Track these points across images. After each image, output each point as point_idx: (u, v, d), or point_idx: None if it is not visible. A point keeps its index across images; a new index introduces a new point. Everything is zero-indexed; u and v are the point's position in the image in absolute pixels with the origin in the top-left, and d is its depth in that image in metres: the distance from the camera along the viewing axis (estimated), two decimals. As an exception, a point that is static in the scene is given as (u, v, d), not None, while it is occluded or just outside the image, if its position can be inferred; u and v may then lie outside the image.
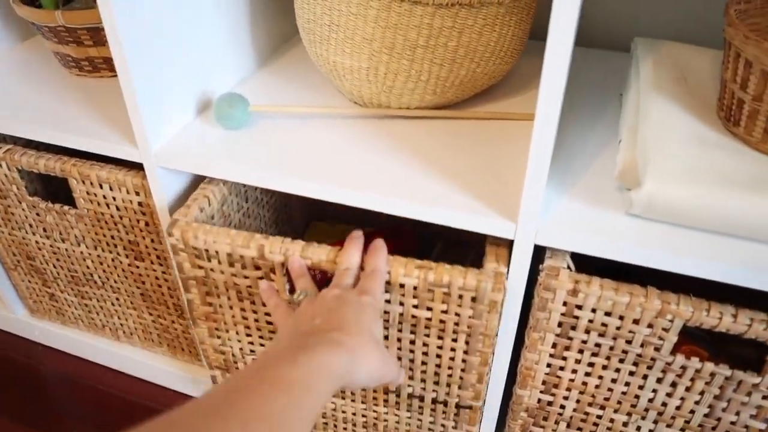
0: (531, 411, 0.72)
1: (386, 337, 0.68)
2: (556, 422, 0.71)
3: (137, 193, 0.75)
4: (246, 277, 0.68)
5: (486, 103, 0.76)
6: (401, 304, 0.63)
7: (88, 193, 0.78)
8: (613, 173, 0.61)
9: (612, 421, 0.69)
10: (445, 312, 0.63)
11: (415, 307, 0.63)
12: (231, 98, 0.69)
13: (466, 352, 0.66)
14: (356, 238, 0.62)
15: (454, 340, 0.65)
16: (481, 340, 0.64)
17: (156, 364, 0.99)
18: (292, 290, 0.67)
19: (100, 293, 0.93)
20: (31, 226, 0.88)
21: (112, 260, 0.86)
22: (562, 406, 0.70)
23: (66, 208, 0.83)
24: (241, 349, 0.78)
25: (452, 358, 0.67)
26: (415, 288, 0.61)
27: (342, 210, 0.65)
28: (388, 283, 0.61)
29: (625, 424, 0.68)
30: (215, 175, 0.68)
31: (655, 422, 0.67)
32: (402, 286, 0.62)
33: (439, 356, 0.68)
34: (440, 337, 0.66)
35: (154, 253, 0.81)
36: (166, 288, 0.85)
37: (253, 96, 0.75)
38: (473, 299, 0.61)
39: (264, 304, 0.68)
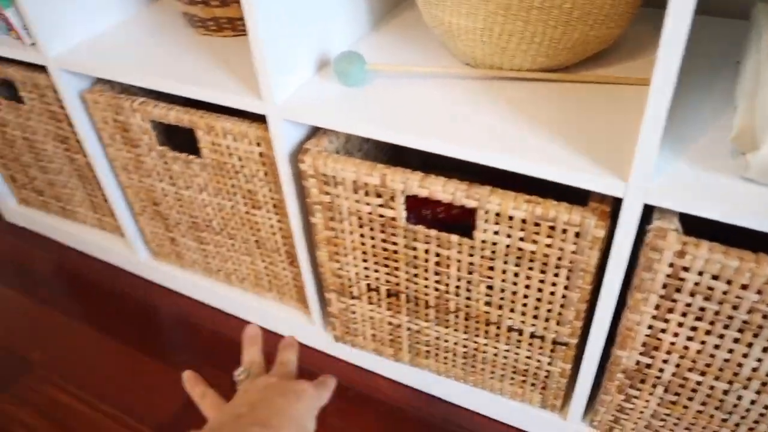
0: (629, 372, 0.73)
1: (491, 268, 0.74)
2: (653, 386, 0.73)
3: (258, 144, 0.81)
4: (367, 204, 0.75)
5: (596, 67, 0.78)
6: (508, 236, 0.69)
7: (212, 143, 0.85)
8: (727, 138, 0.61)
9: (712, 388, 0.69)
10: (549, 246, 0.68)
11: (522, 239, 0.69)
12: (350, 56, 0.74)
13: (566, 288, 0.71)
14: (289, 344, 0.63)
15: (556, 275, 0.70)
16: (581, 276, 0.69)
17: (264, 308, 1.06)
18: (408, 219, 0.75)
19: (217, 239, 1.01)
20: (158, 173, 0.97)
21: (231, 208, 0.93)
22: (661, 370, 0.71)
23: (192, 157, 0.90)
24: (357, 273, 0.86)
25: (552, 293, 0.72)
26: (523, 221, 0.67)
27: (456, 160, 0.68)
28: (497, 214, 0.68)
29: (725, 392, 0.68)
30: (335, 128, 0.73)
31: (758, 392, 0.67)
32: (511, 218, 0.67)
33: (540, 290, 0.73)
34: (543, 271, 0.71)
35: (271, 202, 0.88)
36: (280, 236, 0.92)
37: (368, 55, 0.81)
38: (577, 234, 0.65)
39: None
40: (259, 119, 0.80)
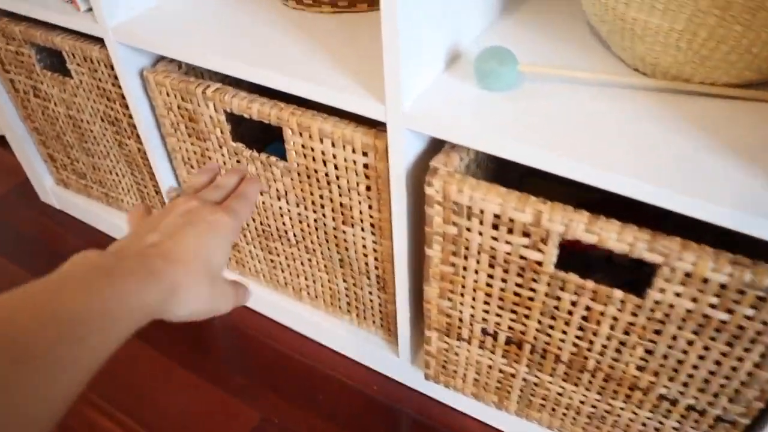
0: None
1: (657, 332, 0.59)
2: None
3: (365, 154, 0.66)
4: (508, 243, 0.60)
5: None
6: (694, 300, 0.55)
7: (303, 146, 0.70)
8: None
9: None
10: (750, 318, 0.53)
11: (713, 306, 0.54)
12: (500, 54, 0.58)
13: (757, 366, 0.57)
14: (242, 171, 0.55)
15: (747, 350, 0.56)
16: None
17: (337, 329, 0.92)
18: (558, 265, 0.60)
19: (291, 251, 0.87)
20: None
21: (315, 221, 0.78)
22: None
23: (274, 159, 0.75)
24: (472, 315, 0.71)
25: (735, 369, 0.58)
26: (722, 287, 0.52)
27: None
28: (687, 275, 0.53)
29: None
30: (478, 146, 0.57)
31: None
32: (705, 281, 0.53)
33: (718, 363, 0.59)
34: (730, 344, 0.57)
35: (369, 220, 0.72)
36: (373, 259, 0.77)
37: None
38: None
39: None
40: (367, 122, 0.64)
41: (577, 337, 0.66)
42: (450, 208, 0.61)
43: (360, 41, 0.69)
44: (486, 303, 0.69)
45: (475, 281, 0.67)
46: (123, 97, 0.88)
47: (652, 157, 0.53)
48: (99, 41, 0.84)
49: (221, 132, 0.78)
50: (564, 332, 0.66)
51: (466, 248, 0.64)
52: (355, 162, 0.68)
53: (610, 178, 0.52)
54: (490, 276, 0.65)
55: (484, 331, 0.73)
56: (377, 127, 0.65)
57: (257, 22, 0.75)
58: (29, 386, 0.30)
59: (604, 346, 0.64)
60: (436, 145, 0.68)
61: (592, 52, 0.66)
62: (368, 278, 0.82)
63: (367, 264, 0.80)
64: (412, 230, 0.70)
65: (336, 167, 0.71)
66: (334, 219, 0.77)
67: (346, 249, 0.80)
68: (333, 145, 0.68)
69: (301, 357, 0.97)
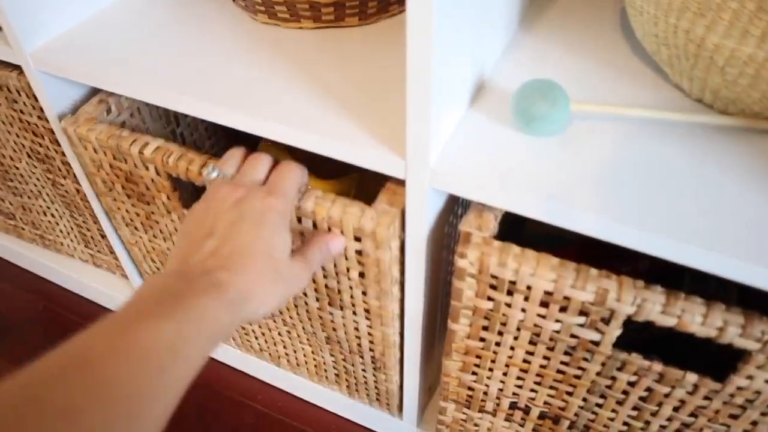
0: None
1: (733, 416, 0.49)
2: None
3: (357, 239, 0.52)
4: (558, 321, 0.49)
5: None
6: None
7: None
8: None
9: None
10: None
11: None
12: (550, 93, 0.45)
13: None
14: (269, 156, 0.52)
15: None
16: None
17: (327, 392, 0.79)
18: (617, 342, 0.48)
19: (266, 321, 0.73)
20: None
21: (294, 298, 0.65)
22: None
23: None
24: (501, 389, 0.60)
25: None
26: None
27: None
28: None
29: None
30: (528, 213, 0.45)
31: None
32: None
33: None
34: None
35: (363, 306, 0.59)
36: (368, 341, 0.64)
37: (526, 75, 0.53)
38: None
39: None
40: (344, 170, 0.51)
41: (630, 417, 0.55)
42: (486, 282, 0.49)
43: (351, 66, 0.55)
44: (520, 379, 0.57)
45: (510, 357, 0.55)
46: (52, 132, 0.72)
47: (734, 222, 0.41)
48: (17, 67, 0.68)
49: (168, 198, 0.63)
50: (614, 411, 0.55)
51: (503, 324, 0.52)
52: (345, 249, 0.54)
53: (690, 252, 0.40)
54: (530, 353, 0.54)
55: (514, 405, 0.61)
56: (373, 202, 0.51)
57: (221, 42, 0.60)
58: (119, 425, 0.31)
59: (663, 427, 0.54)
60: (454, 204, 0.56)
61: (639, 77, 0.54)
62: (361, 357, 0.68)
63: (360, 345, 0.66)
64: (431, 305, 0.58)
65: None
66: (318, 300, 0.63)
67: (334, 330, 0.66)
68: (314, 225, 0.53)
69: (286, 418, 0.84)
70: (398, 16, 0.62)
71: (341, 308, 0.62)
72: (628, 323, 0.47)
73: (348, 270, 0.56)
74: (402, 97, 0.51)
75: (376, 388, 0.73)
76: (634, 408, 0.54)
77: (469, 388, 0.62)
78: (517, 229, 0.66)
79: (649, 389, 0.51)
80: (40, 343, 0.94)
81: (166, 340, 0.35)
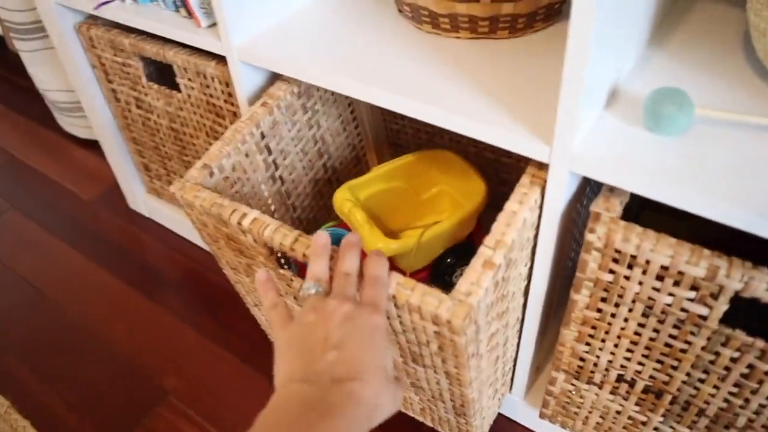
0: None
1: None
2: None
3: (435, 323, 0.54)
4: (671, 295, 0.56)
5: None
6: None
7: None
8: None
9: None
10: None
11: None
12: (678, 97, 0.54)
13: None
14: (353, 243, 0.54)
15: None
16: None
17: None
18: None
19: None
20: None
21: None
22: None
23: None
24: (610, 361, 0.67)
25: None
26: None
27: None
28: None
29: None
30: (652, 195, 0.53)
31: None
32: None
33: None
34: None
35: (443, 369, 0.65)
36: (449, 395, 0.68)
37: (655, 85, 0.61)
38: None
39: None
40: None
41: (731, 393, 0.61)
42: (610, 256, 0.57)
43: (503, 71, 0.66)
44: (629, 351, 0.65)
45: (622, 329, 0.63)
46: (235, 114, 0.86)
47: None
48: (215, 57, 0.82)
49: (264, 259, 0.67)
50: (716, 387, 0.62)
51: (620, 296, 0.60)
52: (424, 327, 0.56)
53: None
54: (641, 325, 0.61)
55: (621, 378, 0.69)
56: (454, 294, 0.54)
57: (390, 46, 0.72)
58: None
59: (763, 406, 0.60)
60: (581, 188, 0.64)
61: (759, 91, 0.61)
62: (444, 403, 0.74)
63: (441, 395, 0.71)
64: (551, 279, 0.67)
65: (401, 322, 0.59)
66: (402, 356, 0.67)
67: (418, 380, 0.71)
68: (395, 306, 0.55)
69: None
70: (542, 31, 0.72)
71: (423, 366, 0.66)
72: (735, 300, 0.54)
73: (428, 343, 0.60)
74: (546, 97, 0.61)
75: (458, 428, 0.79)
76: (735, 384, 0.60)
77: (581, 359, 0.70)
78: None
79: (750, 366, 0.57)
80: (189, 296, 1.10)
81: None
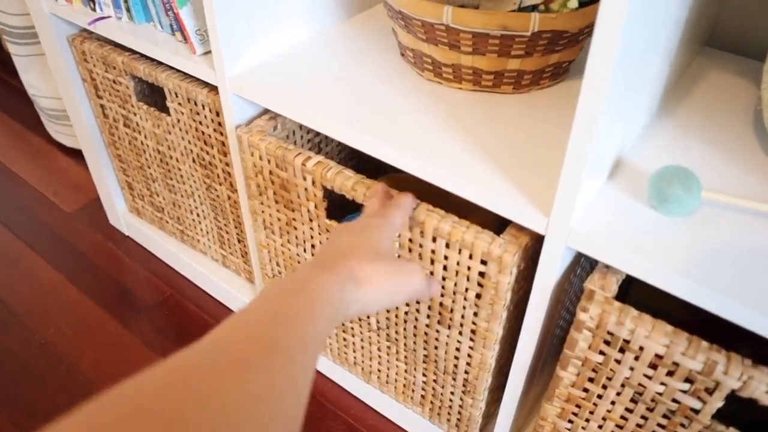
0: None
1: None
2: None
3: (483, 262, 0.59)
4: (663, 384, 0.53)
5: None
6: None
7: (410, 240, 0.63)
8: None
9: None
10: None
11: None
12: (686, 179, 0.51)
13: None
14: (409, 196, 0.60)
15: None
16: None
17: (409, 416, 0.85)
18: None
19: (369, 335, 0.82)
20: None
21: (406, 313, 0.72)
22: None
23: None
24: (594, 443, 0.64)
25: None
26: None
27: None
28: None
29: None
30: (653, 281, 0.50)
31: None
32: None
33: None
34: None
35: (470, 326, 0.66)
36: (465, 363, 0.71)
37: (657, 162, 0.59)
38: None
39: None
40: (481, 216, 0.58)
41: (718, 489, 0.58)
42: (601, 337, 0.54)
43: (505, 128, 0.63)
44: (615, 434, 0.62)
45: (608, 411, 0.60)
46: (223, 144, 0.83)
47: None
48: (207, 84, 0.79)
49: (315, 206, 0.72)
50: (703, 481, 0.58)
51: (609, 378, 0.57)
52: (469, 268, 0.61)
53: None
54: (629, 410, 0.58)
55: (603, 460, 0.65)
56: (502, 233, 0.59)
57: (388, 90, 0.69)
58: (282, 369, 0.34)
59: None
60: (575, 261, 0.61)
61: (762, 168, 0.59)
62: (454, 379, 0.74)
63: (456, 366, 0.73)
64: (536, 351, 0.64)
65: (445, 268, 0.64)
66: (428, 317, 0.70)
67: (436, 348, 0.73)
68: (447, 246, 0.61)
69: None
70: (548, 89, 0.69)
71: (449, 327, 0.69)
72: (730, 397, 0.51)
73: (466, 290, 0.63)
74: (547, 159, 0.59)
75: (459, 412, 0.78)
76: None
77: (561, 435, 0.66)
78: (620, 299, 0.71)
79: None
80: (164, 324, 1.05)
81: (296, 307, 0.40)
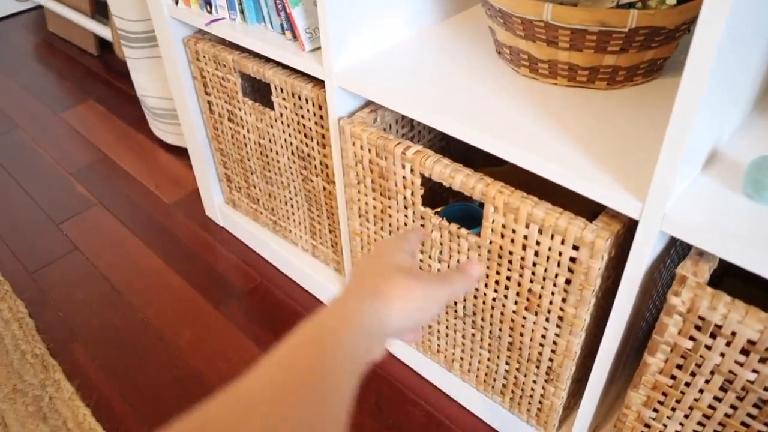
0: None
1: None
2: None
3: (575, 248, 0.62)
4: (755, 372, 0.54)
5: None
6: None
7: (504, 226, 0.67)
8: None
9: None
10: None
11: None
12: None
13: None
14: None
15: None
16: None
17: (488, 402, 0.87)
18: None
19: (455, 322, 0.85)
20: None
21: (494, 299, 0.75)
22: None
23: (465, 232, 0.72)
24: (677, 431, 0.64)
25: None
26: None
27: None
28: None
29: None
30: (746, 265, 0.51)
31: None
32: None
33: None
34: None
35: (558, 313, 0.68)
36: (550, 350, 0.73)
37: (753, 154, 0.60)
38: None
39: None
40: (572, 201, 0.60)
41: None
42: (692, 322, 0.55)
43: (599, 122, 0.65)
44: (700, 425, 0.62)
45: (696, 400, 0.61)
46: (323, 137, 0.88)
47: None
48: (311, 79, 0.85)
49: (411, 194, 0.76)
50: (793, 476, 0.58)
51: (698, 365, 0.58)
52: (560, 253, 0.63)
53: None
54: (717, 399, 0.59)
55: (687, 452, 0.66)
56: (594, 220, 0.61)
57: (486, 86, 0.73)
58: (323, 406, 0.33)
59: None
60: (667, 248, 0.63)
61: None
62: (537, 367, 0.76)
63: (540, 354, 0.74)
64: (624, 338, 0.65)
65: (536, 254, 0.66)
66: (516, 303, 0.73)
67: (521, 335, 0.75)
68: (540, 232, 0.64)
69: (452, 424, 0.93)
70: (641, 86, 0.71)
71: (536, 314, 0.71)
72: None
73: (556, 276, 0.65)
74: (640, 151, 0.61)
75: (540, 402, 0.80)
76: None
77: (646, 425, 0.67)
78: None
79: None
80: (254, 309, 1.12)
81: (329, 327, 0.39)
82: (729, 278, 0.86)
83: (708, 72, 0.44)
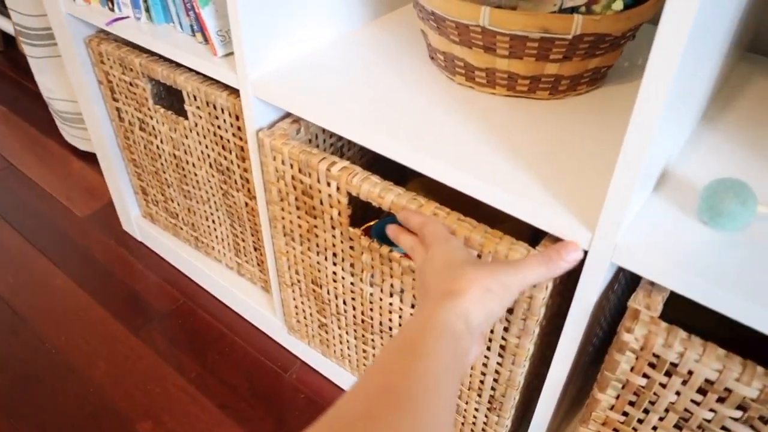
0: None
1: None
2: None
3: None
4: (712, 411, 0.50)
5: None
6: None
7: None
8: None
9: None
10: None
11: None
12: (741, 193, 0.48)
13: None
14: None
15: None
16: None
17: None
18: None
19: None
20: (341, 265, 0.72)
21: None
22: None
23: (397, 255, 0.65)
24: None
25: None
26: None
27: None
28: None
29: None
30: (704, 301, 0.47)
31: None
32: None
33: None
34: None
35: (499, 342, 0.63)
36: (492, 379, 0.67)
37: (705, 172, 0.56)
38: None
39: None
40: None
41: None
42: (646, 359, 0.51)
43: (542, 136, 0.60)
44: (655, 463, 0.58)
45: (651, 435, 0.56)
46: (242, 149, 0.80)
47: None
48: (227, 87, 0.77)
49: (339, 214, 0.69)
50: None
51: (651, 403, 0.53)
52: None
53: None
54: (672, 437, 0.55)
55: (640, 488, 0.61)
56: (537, 245, 0.55)
57: (416, 94, 0.66)
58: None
59: None
60: (615, 276, 0.58)
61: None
62: (479, 395, 0.71)
63: (482, 382, 0.69)
64: (571, 371, 0.60)
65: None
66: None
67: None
68: (479, 257, 0.58)
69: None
70: (584, 95, 0.66)
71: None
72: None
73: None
74: (588, 169, 0.55)
75: (483, 430, 0.75)
76: None
77: (596, 461, 0.63)
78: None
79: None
80: (177, 333, 1.03)
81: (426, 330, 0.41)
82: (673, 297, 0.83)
83: (670, 82, 0.38)
